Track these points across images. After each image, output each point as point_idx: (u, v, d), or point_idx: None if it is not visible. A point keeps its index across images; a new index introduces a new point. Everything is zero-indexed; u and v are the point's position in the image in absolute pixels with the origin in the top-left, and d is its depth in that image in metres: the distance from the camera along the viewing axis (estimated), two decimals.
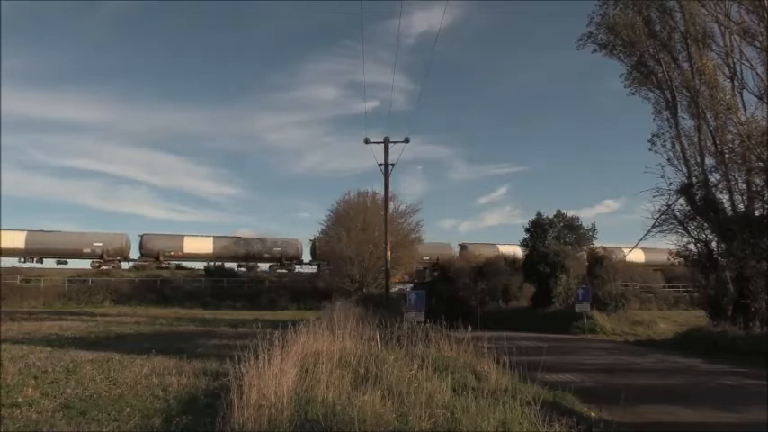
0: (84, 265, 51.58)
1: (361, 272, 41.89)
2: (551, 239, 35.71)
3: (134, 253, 53.35)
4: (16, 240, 49.33)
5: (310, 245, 53.42)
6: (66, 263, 51.48)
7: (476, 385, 8.40)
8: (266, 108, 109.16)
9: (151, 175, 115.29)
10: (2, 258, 48.82)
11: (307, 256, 55.56)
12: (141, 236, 53.02)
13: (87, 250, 50.78)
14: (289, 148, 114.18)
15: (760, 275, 20.52)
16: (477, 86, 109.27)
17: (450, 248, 56.28)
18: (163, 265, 52.46)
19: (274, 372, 6.64)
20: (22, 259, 50.52)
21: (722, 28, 21.85)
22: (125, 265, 52.77)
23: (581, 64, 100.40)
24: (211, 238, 54.15)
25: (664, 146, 23.58)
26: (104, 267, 50.73)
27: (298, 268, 55.88)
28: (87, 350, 13.95)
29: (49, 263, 51.33)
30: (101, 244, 50.92)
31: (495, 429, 5.77)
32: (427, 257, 52.30)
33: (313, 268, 54.67)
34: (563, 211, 37.22)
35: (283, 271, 54.42)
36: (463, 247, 55.77)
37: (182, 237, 53.64)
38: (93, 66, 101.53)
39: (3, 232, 48.02)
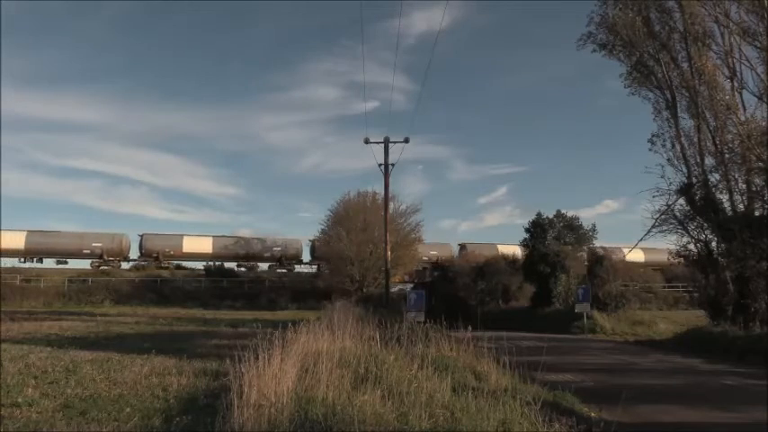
0: (84, 264, 51.67)
1: (361, 272, 41.89)
2: (551, 239, 35.72)
3: (134, 253, 53.63)
4: (16, 240, 49.42)
5: (310, 245, 53.50)
6: (66, 263, 51.57)
7: (476, 385, 8.39)
8: (266, 108, 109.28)
9: (151, 175, 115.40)
10: (2, 259, 49.32)
11: (306, 256, 55.66)
12: (141, 235, 53.16)
13: (87, 251, 50.95)
14: (289, 148, 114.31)
15: (760, 275, 20.52)
16: (478, 86, 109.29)
17: (451, 248, 56.35)
18: (163, 265, 52.57)
19: (274, 372, 6.64)
20: (22, 259, 50.63)
21: (722, 28, 21.85)
22: (125, 265, 52.90)
23: (581, 64, 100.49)
24: (211, 238, 54.20)
25: (664, 146, 23.63)
26: (104, 267, 50.82)
27: (297, 268, 55.92)
28: (87, 350, 13.95)
29: (48, 263, 51.53)
30: (100, 244, 51.02)
31: (495, 429, 5.76)
32: (426, 258, 52.32)
33: (313, 268, 54.70)
34: (563, 211, 37.29)
35: (283, 271, 54.46)
36: (463, 246, 55.81)
37: (181, 236, 53.70)
38: (93, 66, 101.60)
39: (3, 232, 48.00)
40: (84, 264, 51.54)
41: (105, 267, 50.76)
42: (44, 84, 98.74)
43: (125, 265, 52.83)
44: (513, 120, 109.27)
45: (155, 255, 52.27)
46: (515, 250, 43.74)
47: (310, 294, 45.21)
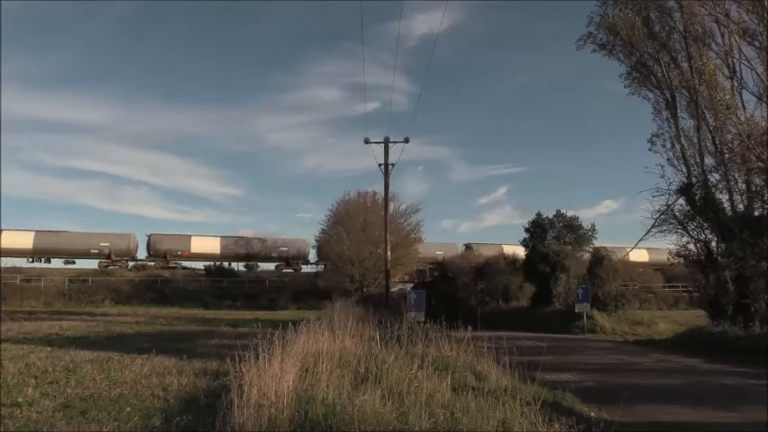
0: (92, 264, 51.76)
1: (362, 272, 41.86)
2: (551, 239, 35.73)
3: (140, 253, 53.69)
4: (24, 240, 49.58)
5: (317, 245, 53.17)
6: (73, 263, 51.66)
7: (476, 385, 8.40)
8: (268, 109, 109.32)
9: (153, 176, 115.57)
10: (10, 258, 49.16)
11: (313, 257, 55.54)
12: (149, 236, 53.15)
13: (95, 251, 51.17)
14: (290, 148, 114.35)
15: (760, 275, 20.51)
16: (478, 87, 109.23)
17: (456, 248, 56.15)
18: (170, 265, 52.60)
19: (274, 371, 6.64)
20: (30, 259, 50.81)
21: (722, 28, 21.83)
22: (132, 265, 52.92)
23: (580, 64, 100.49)
24: (218, 239, 54.08)
25: (663, 146, 23.66)
26: (111, 267, 50.86)
27: (304, 268, 55.84)
28: (87, 350, 13.93)
29: (56, 263, 51.54)
30: (108, 244, 51.19)
31: (495, 429, 5.77)
32: (432, 258, 52.21)
33: (319, 268, 54.44)
34: (563, 211, 37.30)
35: (290, 271, 54.37)
36: (468, 246, 55.64)
37: (189, 237, 53.61)
38: (96, 67, 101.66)
39: (11, 232, 48.29)
40: (92, 264, 51.64)
41: (113, 267, 50.76)
42: (47, 85, 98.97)
43: (132, 265, 52.94)
44: (513, 120, 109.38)
45: (162, 255, 52.33)
46: (517, 250, 43.68)
47: (310, 294, 45.24)
